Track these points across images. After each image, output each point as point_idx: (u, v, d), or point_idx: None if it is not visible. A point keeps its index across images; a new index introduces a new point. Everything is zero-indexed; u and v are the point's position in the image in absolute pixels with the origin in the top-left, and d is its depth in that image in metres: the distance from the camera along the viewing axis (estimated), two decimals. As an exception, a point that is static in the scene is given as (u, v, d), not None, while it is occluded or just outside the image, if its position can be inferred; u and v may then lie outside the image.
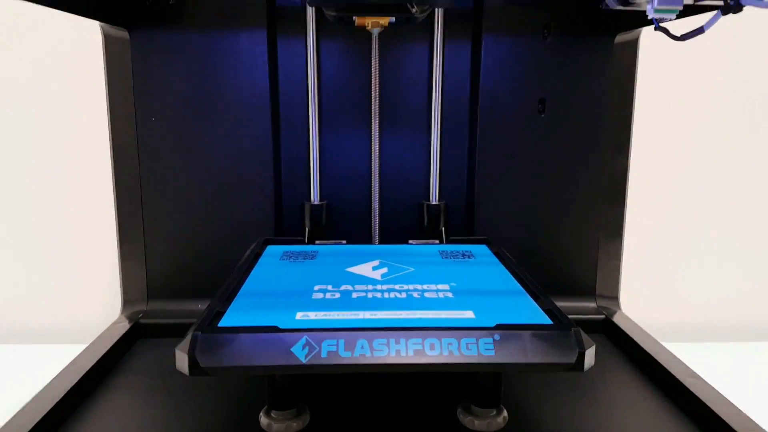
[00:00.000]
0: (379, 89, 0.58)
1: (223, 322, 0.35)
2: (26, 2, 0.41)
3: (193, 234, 0.61)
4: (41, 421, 0.40)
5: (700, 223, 0.76)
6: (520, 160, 0.60)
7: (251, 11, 0.57)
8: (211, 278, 0.56)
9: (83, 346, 0.52)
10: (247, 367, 0.33)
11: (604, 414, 0.45)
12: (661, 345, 0.53)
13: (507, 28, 0.58)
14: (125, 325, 0.58)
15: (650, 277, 0.75)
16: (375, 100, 0.58)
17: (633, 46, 0.59)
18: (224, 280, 0.45)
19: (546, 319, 0.36)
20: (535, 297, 0.40)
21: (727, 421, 0.40)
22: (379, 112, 0.59)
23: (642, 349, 0.52)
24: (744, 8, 0.38)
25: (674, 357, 0.50)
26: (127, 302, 0.62)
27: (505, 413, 0.40)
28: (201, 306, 0.60)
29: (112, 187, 0.60)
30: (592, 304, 0.62)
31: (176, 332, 0.57)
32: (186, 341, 0.33)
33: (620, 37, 0.58)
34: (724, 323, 0.77)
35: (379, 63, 0.58)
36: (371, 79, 0.58)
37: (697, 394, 0.44)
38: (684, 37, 0.43)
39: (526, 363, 0.33)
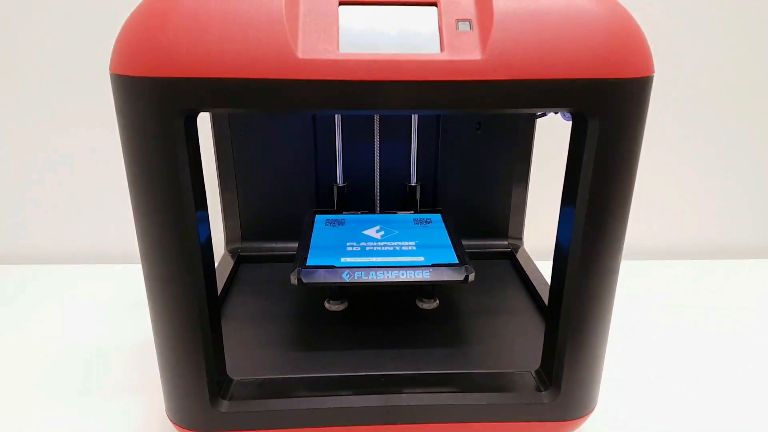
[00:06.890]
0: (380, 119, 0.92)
1: (308, 263, 0.76)
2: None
3: (268, 198, 0.92)
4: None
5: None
6: (466, 157, 0.90)
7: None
8: (281, 227, 0.96)
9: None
10: (322, 283, 0.72)
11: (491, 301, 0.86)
12: (535, 265, 0.94)
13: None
14: (232, 256, 0.99)
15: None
16: (376, 123, 0.94)
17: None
18: (300, 234, 0.83)
19: (456, 260, 0.76)
20: (455, 248, 0.80)
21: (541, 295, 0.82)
22: (379, 131, 0.89)
23: (523, 270, 0.94)
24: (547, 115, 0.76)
25: (540, 272, 0.92)
26: (228, 241, 0.97)
27: (437, 301, 0.81)
28: (274, 244, 1.01)
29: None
30: (504, 242, 0.99)
31: (264, 260, 0.98)
32: (294, 271, 0.73)
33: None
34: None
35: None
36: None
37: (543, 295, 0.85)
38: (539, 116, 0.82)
39: (442, 280, 0.72)
